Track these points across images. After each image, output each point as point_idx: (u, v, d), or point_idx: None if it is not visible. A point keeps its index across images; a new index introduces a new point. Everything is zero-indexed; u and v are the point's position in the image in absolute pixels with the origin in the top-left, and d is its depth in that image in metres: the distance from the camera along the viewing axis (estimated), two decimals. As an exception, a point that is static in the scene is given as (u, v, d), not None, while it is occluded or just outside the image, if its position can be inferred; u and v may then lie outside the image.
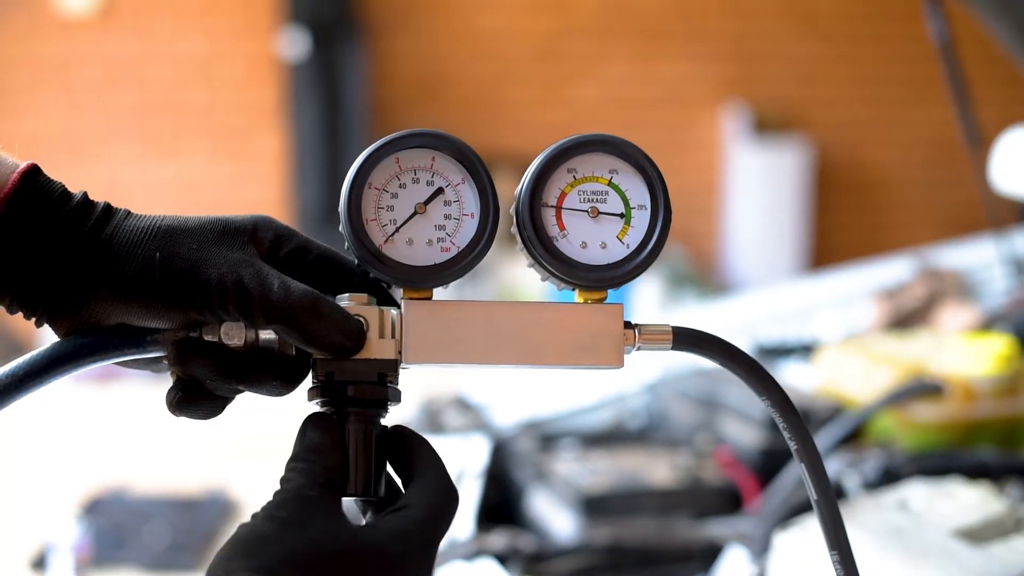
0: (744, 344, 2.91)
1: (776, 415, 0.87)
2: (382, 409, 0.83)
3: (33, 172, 0.79)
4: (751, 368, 0.87)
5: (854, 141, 8.57)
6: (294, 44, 7.57)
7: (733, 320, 3.22)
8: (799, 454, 0.87)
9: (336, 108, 7.59)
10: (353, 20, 7.73)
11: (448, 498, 0.79)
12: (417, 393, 2.81)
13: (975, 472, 1.79)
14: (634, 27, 8.26)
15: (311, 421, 0.81)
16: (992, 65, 4.31)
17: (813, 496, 0.88)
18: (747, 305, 3.62)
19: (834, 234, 8.55)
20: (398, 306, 0.84)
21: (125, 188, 7.70)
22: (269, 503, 0.74)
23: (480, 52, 8.13)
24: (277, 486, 0.76)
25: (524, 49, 8.19)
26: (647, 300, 7.48)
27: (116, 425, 5.90)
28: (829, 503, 0.88)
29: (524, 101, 8.13)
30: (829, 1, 8.43)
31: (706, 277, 8.17)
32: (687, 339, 0.87)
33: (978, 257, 3.44)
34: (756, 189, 8.18)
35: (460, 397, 2.70)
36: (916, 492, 1.66)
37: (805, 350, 2.85)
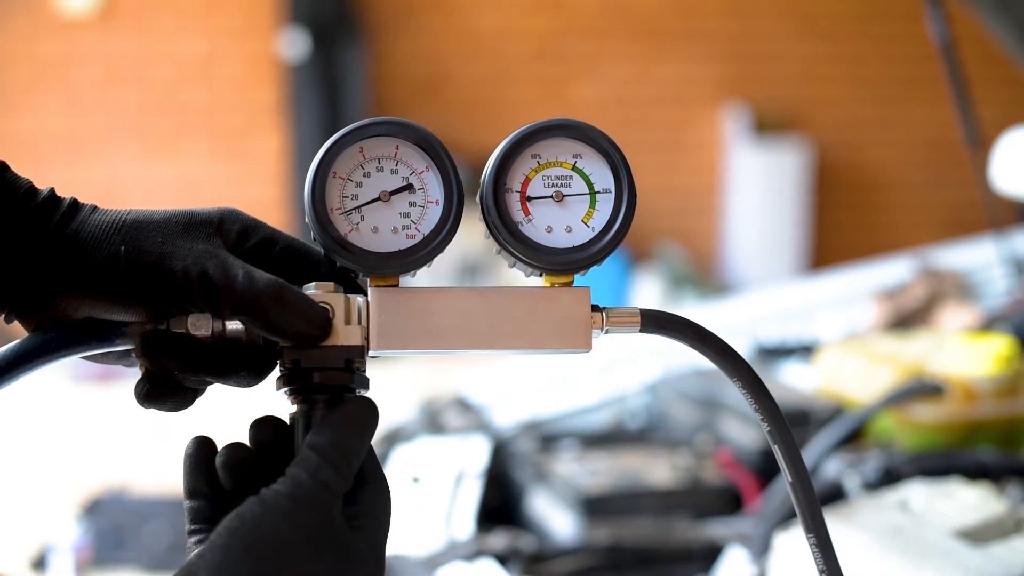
0: (744, 344, 2.91)
1: (748, 397, 0.87)
2: (350, 395, 0.83)
3: None
4: (722, 350, 0.87)
5: (854, 141, 8.57)
6: (294, 44, 7.57)
7: (733, 320, 3.22)
8: (772, 436, 0.87)
9: (336, 108, 7.59)
10: (353, 20, 7.73)
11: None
12: (417, 394, 2.82)
13: (975, 472, 1.79)
14: (634, 27, 8.26)
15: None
16: (992, 65, 4.31)
17: (787, 479, 0.87)
18: (747, 305, 3.62)
19: (834, 234, 8.55)
20: (366, 294, 0.84)
21: (124, 188, 7.69)
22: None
23: (479, 52, 8.13)
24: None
25: (523, 49, 8.19)
26: (647, 300, 7.48)
27: (116, 425, 5.90)
28: (804, 485, 0.87)
29: (523, 101, 8.13)
30: (829, 1, 8.43)
31: (706, 277, 8.17)
32: (655, 321, 0.87)
33: (978, 257, 3.44)
34: (756, 189, 8.18)
35: (460, 397, 2.70)
36: (916, 492, 1.66)
37: (805, 350, 2.85)
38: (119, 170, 7.77)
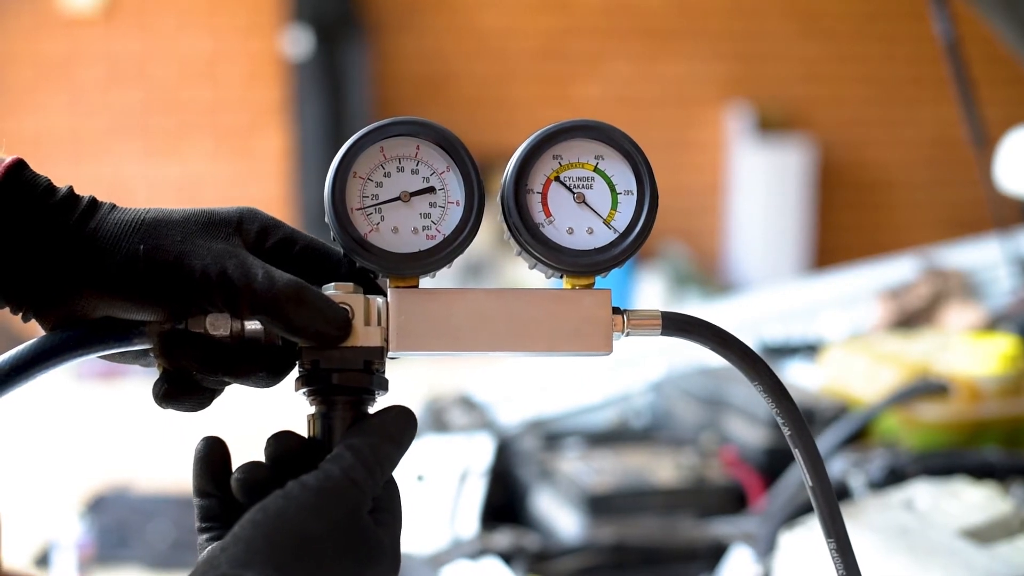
0: (749, 343, 2.90)
1: (769, 401, 0.87)
2: (369, 397, 0.82)
3: (18, 166, 0.79)
4: (743, 353, 0.87)
5: (857, 140, 8.56)
6: (298, 43, 7.57)
7: (737, 319, 3.21)
8: (793, 440, 0.87)
9: (340, 107, 7.59)
10: (357, 19, 7.73)
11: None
12: (422, 392, 2.81)
13: (980, 472, 1.79)
14: (637, 26, 8.25)
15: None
16: (997, 65, 4.31)
17: (808, 483, 0.87)
18: (751, 304, 3.62)
19: (837, 233, 8.54)
20: (385, 295, 0.84)
21: (128, 187, 7.70)
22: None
23: (483, 51, 8.12)
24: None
25: (527, 48, 8.18)
26: (650, 299, 7.47)
27: (120, 423, 5.90)
28: (825, 489, 0.87)
29: (527, 100, 8.12)
30: (832, 0, 8.42)
31: (709, 276, 8.16)
32: (676, 324, 0.86)
33: (983, 257, 3.44)
34: (759, 188, 8.18)
35: (465, 396, 2.70)
36: (922, 492, 1.66)
37: (810, 349, 2.85)
38: (122, 169, 7.77)
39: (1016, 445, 2.07)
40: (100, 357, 0.84)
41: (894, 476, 1.79)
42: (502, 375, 2.95)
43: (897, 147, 8.61)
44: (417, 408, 2.58)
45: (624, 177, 0.86)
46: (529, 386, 2.82)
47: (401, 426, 0.80)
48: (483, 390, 2.81)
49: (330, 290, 0.82)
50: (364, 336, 0.81)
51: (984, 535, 1.52)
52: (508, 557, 1.91)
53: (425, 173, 0.84)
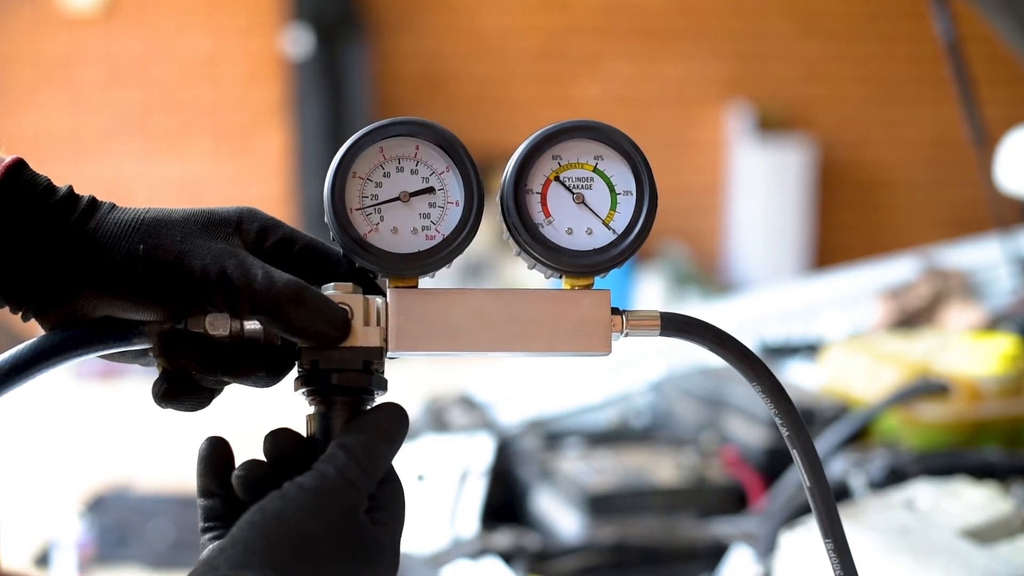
0: (749, 343, 2.90)
1: (767, 401, 0.87)
2: (368, 397, 0.83)
3: (18, 166, 0.79)
4: (742, 354, 0.87)
5: (858, 140, 8.56)
6: (298, 42, 7.57)
7: (737, 319, 3.21)
8: (791, 440, 0.87)
9: (340, 106, 7.59)
10: (357, 18, 7.73)
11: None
12: (422, 392, 2.81)
13: (981, 472, 1.79)
14: (637, 26, 8.25)
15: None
16: (998, 64, 4.31)
17: (806, 483, 0.87)
18: (751, 304, 3.62)
19: (838, 233, 8.54)
20: (384, 295, 0.84)
21: (128, 186, 7.70)
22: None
23: (484, 50, 8.12)
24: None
25: (528, 48, 8.18)
26: (650, 299, 7.47)
27: (120, 422, 5.90)
28: (823, 490, 0.87)
29: (527, 99, 8.12)
30: (832, 0, 8.42)
31: (709, 276, 8.16)
32: (675, 325, 0.86)
33: (983, 256, 3.44)
34: (759, 188, 8.18)
35: (465, 395, 2.70)
36: (922, 492, 1.66)
37: (810, 349, 2.85)
38: (122, 169, 7.78)
39: (1016, 445, 2.07)
40: (100, 357, 0.84)
41: (894, 476, 1.79)
42: (502, 375, 2.95)
43: (897, 147, 8.61)
44: (417, 408, 2.58)
45: (623, 177, 0.86)
46: (529, 386, 2.82)
47: (393, 423, 0.80)
48: (483, 390, 2.81)
49: (329, 290, 0.82)
50: (363, 336, 0.81)
51: (985, 535, 1.52)
52: (508, 557, 1.91)
53: (424, 173, 0.84)
